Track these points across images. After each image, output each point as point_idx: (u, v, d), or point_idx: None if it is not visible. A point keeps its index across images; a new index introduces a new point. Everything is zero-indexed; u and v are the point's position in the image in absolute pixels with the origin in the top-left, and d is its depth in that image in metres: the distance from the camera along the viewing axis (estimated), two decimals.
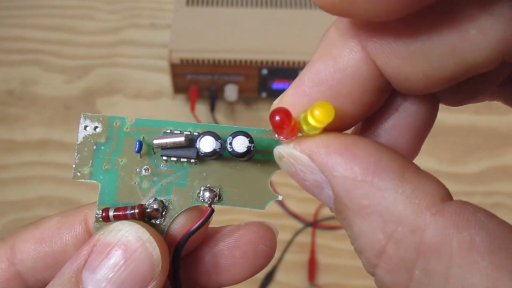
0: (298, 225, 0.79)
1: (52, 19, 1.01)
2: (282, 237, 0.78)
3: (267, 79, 0.84)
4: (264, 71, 0.83)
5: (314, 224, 0.79)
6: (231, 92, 0.85)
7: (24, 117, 0.89)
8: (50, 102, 0.91)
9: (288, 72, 0.83)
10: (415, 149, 0.25)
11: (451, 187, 0.20)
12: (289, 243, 0.78)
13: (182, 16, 0.87)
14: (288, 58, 0.82)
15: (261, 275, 0.75)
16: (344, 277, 0.76)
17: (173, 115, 0.90)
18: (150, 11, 1.03)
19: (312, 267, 0.76)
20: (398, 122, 0.24)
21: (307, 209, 0.80)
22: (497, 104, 0.27)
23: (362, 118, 0.23)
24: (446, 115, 0.91)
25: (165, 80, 0.89)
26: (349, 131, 0.24)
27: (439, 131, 0.89)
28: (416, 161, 0.22)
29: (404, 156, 0.21)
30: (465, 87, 0.23)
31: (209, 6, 0.89)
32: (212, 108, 0.87)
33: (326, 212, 0.80)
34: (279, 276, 0.76)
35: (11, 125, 0.88)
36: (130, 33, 1.00)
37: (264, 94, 0.88)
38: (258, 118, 0.90)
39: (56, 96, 0.92)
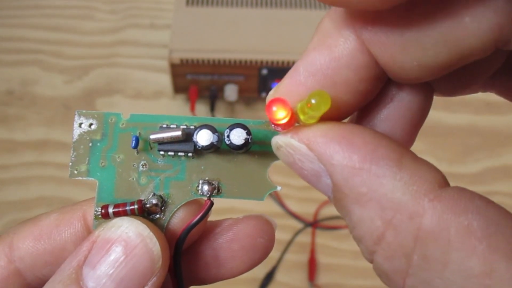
0: (298, 225, 0.79)
1: (52, 19, 1.01)
2: (282, 237, 0.78)
3: (267, 79, 0.84)
4: (264, 71, 0.83)
5: (314, 224, 0.79)
6: (231, 92, 0.85)
7: (24, 117, 0.89)
8: (50, 102, 0.91)
9: None
10: (410, 139, 0.25)
11: None
12: (289, 243, 0.78)
13: (182, 16, 0.87)
14: (288, 58, 0.82)
15: (261, 275, 0.75)
16: (344, 277, 0.76)
17: None
18: (150, 11, 1.03)
19: (312, 267, 0.76)
20: (393, 111, 0.24)
21: (307, 209, 0.80)
22: (497, 104, 0.28)
23: (357, 107, 0.24)
24: (446, 115, 0.91)
25: (165, 80, 0.89)
26: (345, 121, 0.24)
27: (439, 131, 0.89)
28: None
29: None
30: (459, 76, 0.23)
31: (209, 6, 0.89)
32: (212, 108, 0.87)
33: (326, 212, 0.80)
34: (279, 276, 0.76)
35: (11, 125, 0.88)
36: (130, 33, 1.00)
37: (264, 94, 0.88)
38: (258, 118, 0.90)
39: (56, 96, 0.92)
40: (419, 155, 0.23)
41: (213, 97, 0.87)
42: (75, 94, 0.92)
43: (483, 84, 0.26)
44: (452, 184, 0.19)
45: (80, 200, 0.30)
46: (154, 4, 1.04)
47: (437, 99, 0.26)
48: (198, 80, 0.85)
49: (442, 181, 0.19)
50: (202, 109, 0.89)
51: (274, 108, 0.22)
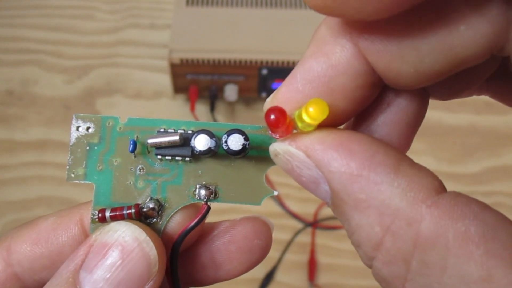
0: (298, 225, 0.79)
1: (52, 19, 1.01)
2: (282, 237, 0.78)
3: (267, 79, 0.84)
4: (264, 71, 0.83)
5: (314, 224, 0.79)
6: (231, 92, 0.85)
7: (24, 117, 0.89)
8: (50, 102, 0.91)
9: (288, 72, 0.82)
10: (407, 143, 0.25)
11: (451, 187, 0.20)
12: (289, 243, 0.78)
13: (182, 16, 0.87)
14: (288, 58, 0.82)
15: (261, 275, 0.75)
16: (344, 277, 0.76)
17: (173, 115, 0.90)
18: (150, 11, 1.03)
19: (312, 267, 0.76)
20: (390, 117, 0.24)
21: (307, 209, 0.80)
22: (497, 104, 0.28)
23: (354, 114, 0.24)
24: (446, 115, 0.91)
25: (165, 80, 0.89)
26: (342, 127, 0.24)
27: (439, 131, 0.89)
28: (416, 161, 0.22)
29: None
30: (454, 81, 0.23)
31: (209, 6, 0.89)
32: (212, 108, 0.87)
33: (326, 212, 0.80)
34: (279, 276, 0.76)
35: (11, 125, 0.88)
36: (130, 33, 1.00)
37: (264, 94, 0.87)
38: (258, 118, 0.90)
39: (56, 96, 0.92)
40: (419, 155, 0.23)
41: (213, 97, 0.87)
42: (75, 94, 0.92)
43: (478, 88, 0.26)
44: (452, 184, 0.19)
45: (80, 200, 0.30)
46: (154, 4, 1.04)
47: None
48: (198, 80, 0.85)
49: (439, 187, 0.19)
50: (202, 109, 0.89)
51: (272, 117, 0.22)
